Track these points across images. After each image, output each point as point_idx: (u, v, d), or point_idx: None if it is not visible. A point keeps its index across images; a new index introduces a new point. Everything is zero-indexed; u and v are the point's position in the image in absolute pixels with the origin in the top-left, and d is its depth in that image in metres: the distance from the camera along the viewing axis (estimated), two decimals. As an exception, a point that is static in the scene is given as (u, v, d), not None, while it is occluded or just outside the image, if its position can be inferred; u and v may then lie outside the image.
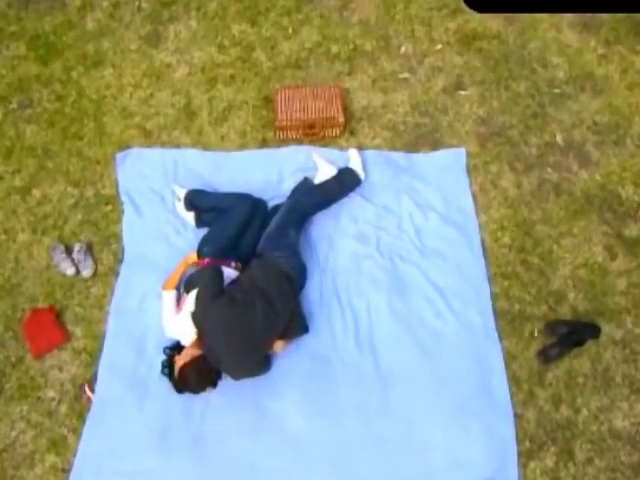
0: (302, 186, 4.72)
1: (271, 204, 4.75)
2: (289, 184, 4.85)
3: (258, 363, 4.09)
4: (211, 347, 3.94)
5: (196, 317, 3.96)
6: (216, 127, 5.14)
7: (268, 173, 4.91)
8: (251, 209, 4.53)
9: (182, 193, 4.67)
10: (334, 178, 4.70)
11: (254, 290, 4.04)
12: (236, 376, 4.05)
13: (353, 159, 4.81)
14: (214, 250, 4.36)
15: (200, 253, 4.37)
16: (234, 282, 4.14)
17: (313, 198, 4.63)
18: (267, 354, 4.17)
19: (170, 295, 4.26)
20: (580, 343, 4.29)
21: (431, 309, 4.44)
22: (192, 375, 3.94)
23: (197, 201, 4.65)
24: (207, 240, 4.42)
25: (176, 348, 4.10)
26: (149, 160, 4.95)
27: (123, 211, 4.77)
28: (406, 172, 4.92)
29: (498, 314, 4.44)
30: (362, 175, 4.75)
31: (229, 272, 4.26)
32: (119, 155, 4.98)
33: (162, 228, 4.69)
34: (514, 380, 4.24)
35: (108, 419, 4.11)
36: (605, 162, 4.99)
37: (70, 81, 5.39)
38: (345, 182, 4.72)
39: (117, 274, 4.57)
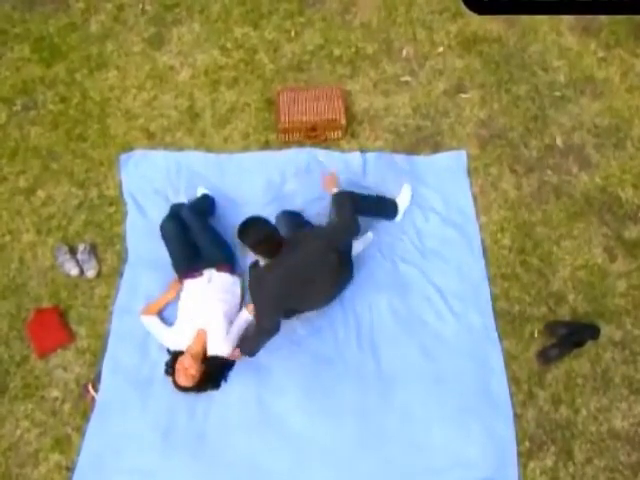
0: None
1: (272, 205, 4.78)
2: (291, 185, 4.90)
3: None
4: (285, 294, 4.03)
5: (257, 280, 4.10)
6: (219, 129, 5.17)
7: (270, 174, 4.95)
8: (172, 223, 4.55)
9: None
10: (378, 199, 4.71)
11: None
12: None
13: (403, 196, 4.79)
14: (180, 273, 4.44)
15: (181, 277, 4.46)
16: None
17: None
18: None
19: (151, 319, 4.33)
20: (580, 344, 4.31)
21: (431, 310, 4.47)
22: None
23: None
24: (176, 270, 4.50)
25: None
26: (152, 162, 4.98)
27: (127, 212, 4.80)
28: (407, 174, 4.95)
29: (498, 315, 4.46)
30: (399, 216, 4.77)
31: (195, 282, 4.37)
32: (123, 157, 5.02)
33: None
34: (514, 380, 4.27)
35: (111, 418, 4.14)
36: (605, 164, 5.01)
37: (74, 83, 5.42)
38: (383, 209, 4.74)
39: (121, 274, 4.60)
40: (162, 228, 4.54)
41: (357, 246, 4.58)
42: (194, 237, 4.52)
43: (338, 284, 4.38)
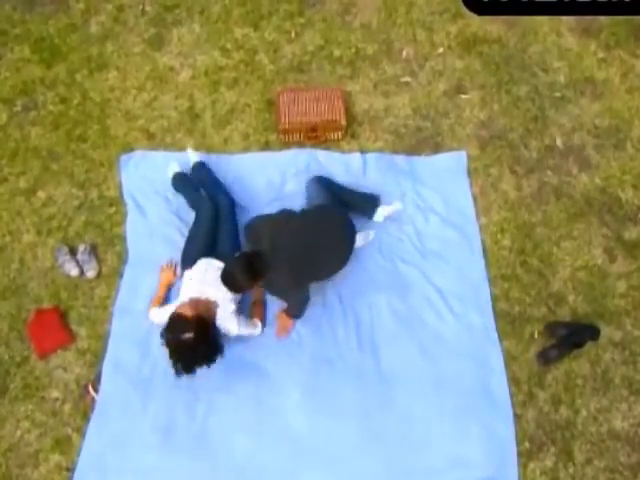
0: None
1: (273, 206, 4.77)
2: (291, 186, 4.91)
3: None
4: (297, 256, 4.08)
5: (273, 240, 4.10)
6: (219, 130, 5.17)
7: (270, 175, 4.96)
8: (212, 215, 4.56)
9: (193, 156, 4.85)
10: (356, 194, 4.76)
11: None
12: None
13: (390, 207, 4.79)
14: (192, 263, 4.39)
15: (183, 269, 4.43)
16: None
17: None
18: None
19: (158, 310, 4.29)
20: (579, 345, 4.32)
21: (432, 310, 4.48)
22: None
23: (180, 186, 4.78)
24: (184, 257, 4.47)
25: None
26: (153, 162, 4.98)
27: (127, 213, 4.81)
28: (407, 175, 4.96)
29: (498, 315, 4.47)
30: (378, 216, 4.78)
31: (196, 268, 4.34)
32: (123, 157, 5.02)
33: (166, 229, 4.72)
34: (514, 381, 4.27)
35: (112, 418, 4.15)
36: (605, 165, 5.02)
37: (74, 84, 5.43)
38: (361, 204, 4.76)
39: (121, 275, 4.61)
40: (199, 215, 4.58)
41: (358, 241, 4.58)
42: (220, 226, 4.56)
43: (344, 242, 4.39)
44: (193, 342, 3.89)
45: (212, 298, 4.16)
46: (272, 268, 3.94)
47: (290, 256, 4.04)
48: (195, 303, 4.07)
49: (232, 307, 4.18)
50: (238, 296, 4.30)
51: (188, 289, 4.23)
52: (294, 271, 4.04)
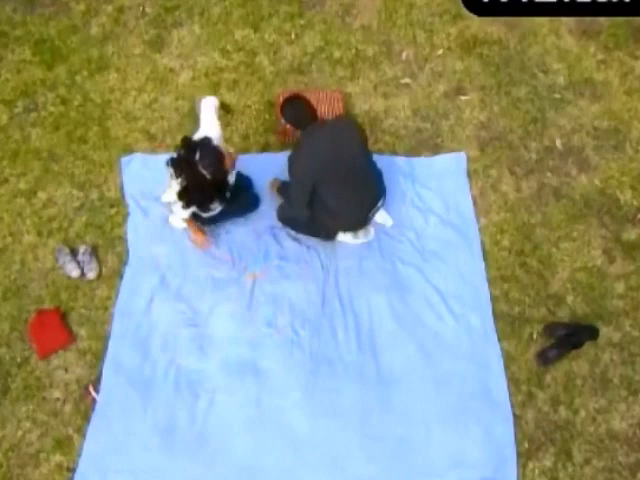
0: None
1: (273, 206, 4.80)
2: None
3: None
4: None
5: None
6: (219, 131, 5.18)
7: (270, 176, 4.95)
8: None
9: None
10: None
11: None
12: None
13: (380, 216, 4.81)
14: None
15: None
16: None
17: None
18: None
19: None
20: (578, 345, 4.33)
21: (431, 311, 4.49)
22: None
23: None
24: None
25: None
26: (153, 164, 4.97)
27: (128, 214, 4.82)
28: (407, 176, 4.97)
29: (497, 316, 4.48)
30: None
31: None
32: (124, 159, 5.03)
33: (166, 231, 4.73)
34: (513, 381, 4.29)
35: (112, 419, 4.17)
36: (604, 167, 5.03)
37: (75, 85, 5.44)
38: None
39: (121, 276, 4.62)
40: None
41: (359, 237, 4.71)
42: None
43: (369, 192, 4.44)
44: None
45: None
46: (303, 141, 4.28)
47: (317, 150, 4.21)
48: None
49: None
50: None
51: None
52: (310, 160, 4.21)
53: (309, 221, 4.49)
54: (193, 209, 4.31)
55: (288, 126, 4.48)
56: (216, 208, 4.48)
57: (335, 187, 4.26)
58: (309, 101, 4.38)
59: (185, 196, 4.14)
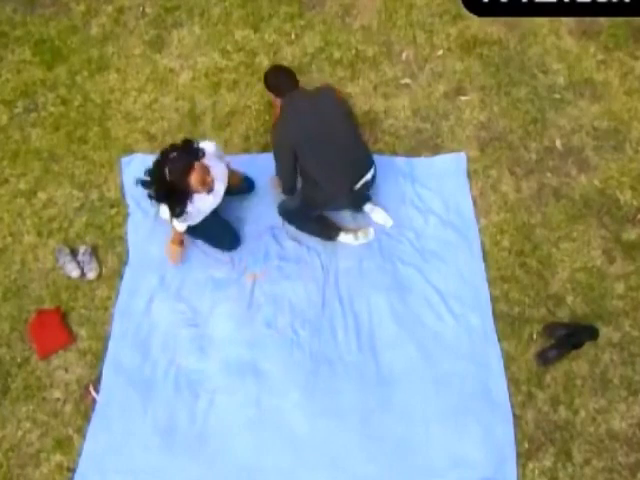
0: None
1: (273, 207, 4.82)
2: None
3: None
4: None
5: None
6: (219, 132, 5.19)
7: (271, 176, 4.96)
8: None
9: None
10: None
11: None
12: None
13: (379, 215, 4.85)
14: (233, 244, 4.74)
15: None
16: None
17: None
18: None
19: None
20: (578, 345, 4.33)
21: (431, 311, 4.49)
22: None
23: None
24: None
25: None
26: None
27: (128, 214, 4.83)
28: (407, 176, 4.97)
29: (497, 316, 4.49)
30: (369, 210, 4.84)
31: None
32: (124, 159, 5.04)
33: (167, 231, 4.72)
34: (513, 381, 4.29)
35: (113, 419, 4.18)
36: (604, 167, 5.02)
37: (75, 85, 5.44)
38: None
39: (121, 276, 4.63)
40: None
41: (359, 238, 4.73)
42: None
43: (354, 161, 4.39)
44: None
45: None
46: (285, 109, 4.27)
47: (300, 116, 4.22)
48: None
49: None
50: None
51: None
52: (292, 125, 4.21)
53: (304, 206, 4.50)
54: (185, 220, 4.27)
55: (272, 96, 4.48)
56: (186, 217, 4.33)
57: (315, 153, 4.22)
58: (290, 70, 4.40)
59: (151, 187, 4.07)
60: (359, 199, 4.66)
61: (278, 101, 4.35)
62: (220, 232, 4.68)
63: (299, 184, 4.46)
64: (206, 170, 4.05)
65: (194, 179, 3.95)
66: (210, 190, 4.21)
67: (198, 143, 4.10)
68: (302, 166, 4.30)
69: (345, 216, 4.84)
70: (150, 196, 4.10)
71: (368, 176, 4.42)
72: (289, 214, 4.66)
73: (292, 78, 4.33)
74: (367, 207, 4.82)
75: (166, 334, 4.43)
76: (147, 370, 4.32)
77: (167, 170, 3.88)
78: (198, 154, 4.00)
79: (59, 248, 4.68)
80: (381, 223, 4.80)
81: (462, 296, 4.55)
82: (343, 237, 4.72)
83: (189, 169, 3.91)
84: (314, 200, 4.46)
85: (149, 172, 4.00)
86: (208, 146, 4.21)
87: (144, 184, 4.04)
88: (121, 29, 5.74)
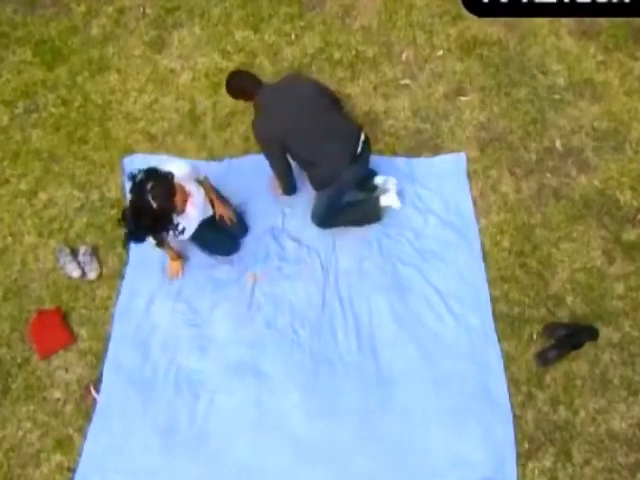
0: None
1: (273, 208, 4.87)
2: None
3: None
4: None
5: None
6: (220, 132, 5.19)
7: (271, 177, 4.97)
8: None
9: None
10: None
11: None
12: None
13: (388, 198, 4.79)
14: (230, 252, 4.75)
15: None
16: None
17: None
18: None
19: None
20: (578, 346, 4.33)
21: (431, 311, 4.50)
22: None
23: None
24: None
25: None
26: (155, 165, 4.95)
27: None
28: (407, 177, 4.97)
29: (497, 317, 4.49)
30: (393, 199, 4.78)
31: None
32: (126, 159, 5.05)
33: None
34: (513, 382, 4.29)
35: (113, 419, 4.19)
36: (604, 167, 5.02)
37: (75, 86, 5.45)
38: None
39: (122, 276, 4.64)
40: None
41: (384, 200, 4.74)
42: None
43: (342, 126, 4.41)
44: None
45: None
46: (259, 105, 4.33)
47: (275, 104, 4.28)
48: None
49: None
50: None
51: None
52: (269, 118, 4.27)
53: (330, 198, 4.52)
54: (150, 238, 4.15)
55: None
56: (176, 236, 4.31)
57: (303, 137, 4.26)
58: (246, 71, 4.55)
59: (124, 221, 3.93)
60: (364, 167, 4.63)
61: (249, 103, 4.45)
62: (214, 241, 4.69)
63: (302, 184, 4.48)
64: (182, 188, 4.06)
65: (178, 199, 3.96)
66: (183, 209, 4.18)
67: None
68: (296, 153, 4.35)
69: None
70: (131, 236, 3.97)
71: (362, 137, 4.43)
72: (324, 219, 4.66)
73: (253, 76, 4.41)
74: (378, 180, 4.82)
75: (166, 334, 4.44)
76: (147, 370, 4.33)
77: (151, 199, 3.77)
78: (170, 176, 3.93)
79: (59, 248, 4.69)
80: (388, 204, 4.76)
81: (462, 296, 4.56)
82: (385, 200, 4.74)
83: (173, 191, 3.88)
84: (323, 180, 4.43)
85: (130, 212, 3.86)
86: (177, 168, 4.11)
87: (126, 224, 3.92)
88: (121, 30, 5.74)
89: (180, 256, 4.63)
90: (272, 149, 4.32)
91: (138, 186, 3.83)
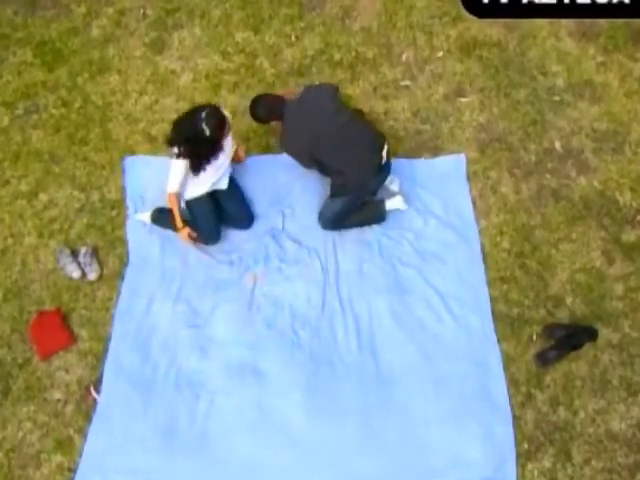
0: None
1: (273, 208, 4.88)
2: (291, 189, 4.93)
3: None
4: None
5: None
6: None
7: (271, 178, 4.98)
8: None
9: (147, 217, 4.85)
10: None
11: None
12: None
13: (394, 202, 4.83)
14: (212, 239, 4.75)
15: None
16: None
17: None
18: None
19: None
20: (578, 346, 4.34)
21: (431, 312, 4.50)
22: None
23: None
24: (205, 234, 4.73)
25: None
26: (155, 167, 4.98)
27: (129, 215, 4.84)
28: (407, 178, 4.97)
29: (497, 317, 4.49)
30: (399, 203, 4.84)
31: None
32: (127, 160, 5.06)
33: (167, 232, 4.74)
34: (512, 382, 4.30)
35: (113, 420, 4.19)
36: (603, 169, 5.03)
37: (76, 87, 5.45)
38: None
39: (122, 277, 4.65)
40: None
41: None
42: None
43: (368, 135, 4.60)
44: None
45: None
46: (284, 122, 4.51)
47: (298, 120, 4.47)
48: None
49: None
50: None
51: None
52: (294, 133, 4.50)
53: (344, 202, 4.63)
54: (185, 166, 4.42)
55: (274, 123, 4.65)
56: (207, 179, 4.57)
57: (331, 148, 4.43)
58: (266, 93, 4.75)
59: (179, 144, 4.33)
60: (385, 178, 4.77)
61: (277, 124, 4.58)
62: (208, 220, 4.72)
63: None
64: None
65: (227, 132, 4.41)
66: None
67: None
68: (324, 162, 4.50)
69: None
70: (178, 154, 4.36)
71: (385, 147, 4.58)
72: (333, 222, 4.72)
73: (275, 96, 4.64)
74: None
75: (167, 335, 4.44)
76: (148, 371, 4.33)
77: (204, 125, 4.21)
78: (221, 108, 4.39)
79: (60, 249, 4.69)
80: (395, 207, 4.81)
81: (462, 297, 4.56)
82: (390, 204, 4.80)
83: (223, 123, 4.32)
84: (345, 187, 4.55)
85: (179, 131, 4.32)
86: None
87: (171, 142, 4.37)
88: (122, 31, 5.74)
89: (184, 222, 4.61)
90: (302, 160, 4.59)
91: (192, 112, 4.32)
